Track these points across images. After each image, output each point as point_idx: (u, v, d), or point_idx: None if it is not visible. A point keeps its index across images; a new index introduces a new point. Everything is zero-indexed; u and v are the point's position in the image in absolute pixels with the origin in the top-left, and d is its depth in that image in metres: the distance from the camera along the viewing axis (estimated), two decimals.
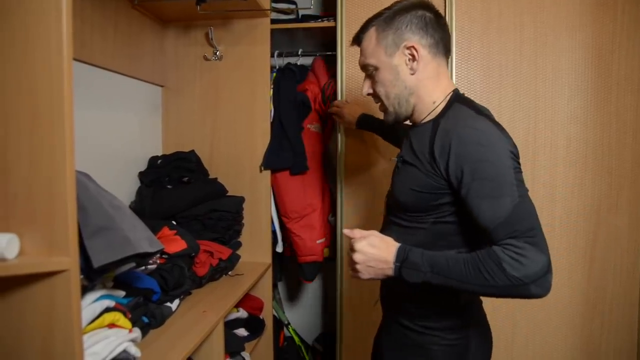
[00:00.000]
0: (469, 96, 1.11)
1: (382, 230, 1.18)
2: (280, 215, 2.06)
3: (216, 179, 1.92)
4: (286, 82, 2.03)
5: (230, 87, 1.95)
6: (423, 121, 1.09)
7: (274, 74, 2.06)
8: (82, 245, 0.84)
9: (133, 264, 1.00)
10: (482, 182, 0.92)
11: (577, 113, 1.76)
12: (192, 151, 1.92)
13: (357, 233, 1.04)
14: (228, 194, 1.89)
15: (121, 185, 1.73)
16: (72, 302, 0.73)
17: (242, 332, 1.79)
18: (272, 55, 1.99)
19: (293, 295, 2.62)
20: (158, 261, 1.33)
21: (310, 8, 1.81)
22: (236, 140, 1.96)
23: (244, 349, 1.66)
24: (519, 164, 0.97)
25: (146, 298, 1.21)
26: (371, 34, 1.10)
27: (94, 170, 1.10)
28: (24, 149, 0.73)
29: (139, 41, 1.76)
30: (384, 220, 1.22)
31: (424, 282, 0.95)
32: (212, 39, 1.90)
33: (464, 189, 0.94)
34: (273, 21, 1.96)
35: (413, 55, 1.05)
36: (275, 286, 2.38)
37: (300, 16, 2.05)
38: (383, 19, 1.08)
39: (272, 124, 1.96)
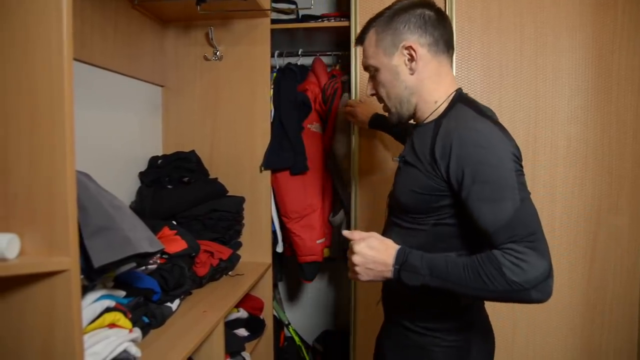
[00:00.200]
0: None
1: (384, 231, 1.18)
2: (281, 215, 2.06)
3: (216, 179, 1.92)
4: (286, 82, 2.03)
5: (230, 87, 1.95)
6: (425, 121, 1.08)
7: (274, 74, 2.06)
8: (83, 245, 0.84)
9: (133, 264, 1.00)
10: (483, 185, 0.91)
11: (578, 113, 1.76)
12: (193, 151, 1.92)
13: (356, 235, 1.03)
14: (228, 194, 1.89)
15: (121, 185, 1.73)
16: (73, 302, 0.73)
17: (242, 332, 1.79)
18: (272, 55, 1.99)
19: (293, 295, 2.62)
20: (158, 261, 1.33)
21: (310, 8, 1.80)
22: (236, 140, 1.96)
23: (244, 349, 1.66)
24: (521, 166, 0.95)
25: (146, 298, 1.21)
26: (371, 35, 1.10)
27: (94, 170, 1.10)
28: (24, 149, 0.73)
29: (139, 41, 1.76)
30: (386, 221, 1.21)
31: (423, 285, 0.94)
32: (212, 39, 1.90)
33: (465, 191, 0.93)
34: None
35: (412, 55, 1.05)
36: (275, 286, 2.38)
37: (300, 16, 2.05)
38: (382, 20, 1.08)
39: (272, 124, 1.96)
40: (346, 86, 2.02)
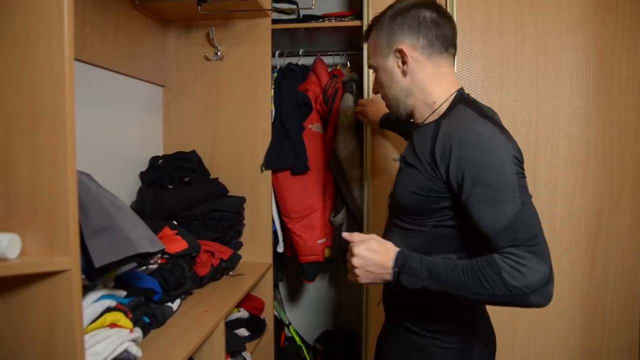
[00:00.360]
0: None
1: (385, 232, 1.18)
2: (281, 215, 2.06)
3: (217, 179, 1.92)
4: (287, 82, 2.03)
5: (231, 87, 1.95)
6: (426, 121, 1.07)
7: (275, 74, 2.06)
8: (84, 245, 0.84)
9: (134, 264, 1.00)
10: (483, 188, 0.90)
11: (579, 113, 1.76)
12: (193, 151, 1.92)
13: (356, 237, 1.03)
14: (229, 194, 1.89)
15: (122, 185, 1.73)
16: (74, 302, 0.73)
17: (243, 332, 1.79)
18: (273, 55, 1.99)
19: (294, 295, 2.62)
20: (159, 261, 1.33)
21: (311, 8, 1.80)
22: (237, 141, 1.96)
23: (245, 349, 1.66)
24: (522, 169, 0.94)
25: (147, 298, 1.21)
26: (372, 35, 1.10)
27: (95, 170, 1.10)
28: (25, 149, 0.73)
29: (140, 41, 1.76)
30: (387, 222, 1.21)
31: (422, 288, 0.94)
32: (213, 39, 1.90)
33: (465, 194, 0.92)
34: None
35: (403, 58, 1.05)
36: (276, 286, 2.38)
37: (301, 16, 2.05)
38: (381, 20, 1.08)
39: (273, 124, 1.96)
40: (347, 86, 2.02)
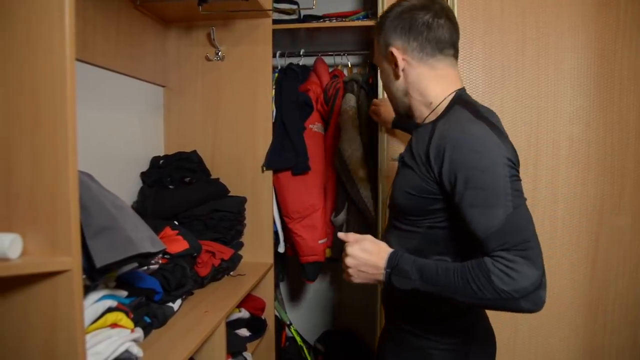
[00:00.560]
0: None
1: (385, 233, 1.18)
2: (282, 215, 2.06)
3: (218, 179, 1.92)
4: (288, 82, 2.04)
5: (232, 88, 1.95)
6: (424, 122, 1.07)
7: (276, 74, 2.06)
8: (85, 245, 0.84)
9: (135, 264, 1.00)
10: (475, 191, 0.89)
11: (580, 113, 1.76)
12: (194, 151, 1.93)
13: (351, 237, 1.04)
14: (230, 194, 1.89)
15: (123, 185, 1.73)
16: (75, 302, 0.73)
17: (244, 332, 1.79)
18: (273, 56, 1.99)
19: (295, 295, 2.62)
20: (160, 261, 1.33)
21: (312, 8, 1.80)
22: (238, 141, 1.96)
23: (245, 349, 1.66)
24: (517, 171, 0.93)
25: (148, 298, 1.21)
26: (375, 35, 1.12)
27: (97, 170, 1.10)
28: (26, 149, 0.73)
29: (141, 41, 1.76)
30: (387, 223, 1.21)
31: (414, 290, 0.94)
32: (214, 39, 1.90)
33: (458, 196, 0.91)
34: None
35: (395, 62, 1.05)
36: (277, 286, 2.38)
37: (302, 16, 2.05)
38: (380, 21, 1.09)
39: (274, 124, 1.97)
40: (348, 86, 2.02)
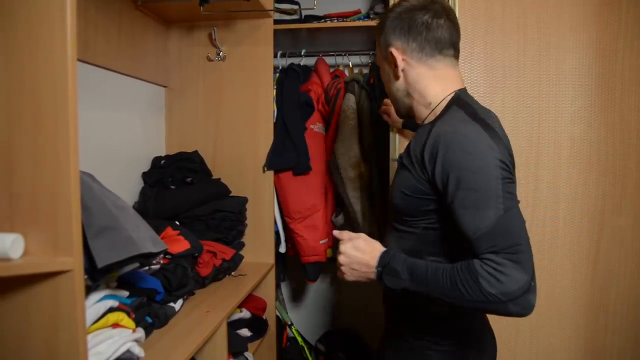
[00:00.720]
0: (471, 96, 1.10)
1: (385, 234, 1.18)
2: (284, 215, 2.06)
3: (219, 179, 1.92)
4: (289, 82, 2.04)
5: (233, 88, 1.95)
6: (424, 122, 1.08)
7: (277, 75, 2.06)
8: (86, 245, 0.84)
9: (137, 264, 1.00)
10: (467, 192, 0.88)
11: (581, 113, 1.75)
12: (196, 152, 1.93)
13: (345, 235, 1.05)
14: (231, 194, 1.89)
15: (125, 185, 1.73)
16: (76, 302, 0.73)
17: (245, 332, 1.79)
18: (275, 56, 1.99)
19: (296, 295, 2.62)
20: (161, 261, 1.34)
21: (313, 8, 1.80)
22: (239, 141, 1.96)
23: (247, 349, 1.66)
24: (511, 173, 0.92)
25: (150, 298, 1.21)
26: (377, 35, 1.12)
27: (98, 170, 1.10)
28: (28, 150, 0.73)
29: (143, 42, 1.77)
30: (388, 224, 1.21)
31: (404, 289, 0.94)
32: (215, 39, 1.91)
33: (450, 197, 0.91)
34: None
35: (394, 62, 1.06)
36: (278, 286, 2.38)
37: (303, 16, 2.05)
38: (381, 22, 1.09)
39: (275, 124, 1.97)
40: (349, 86, 2.02)
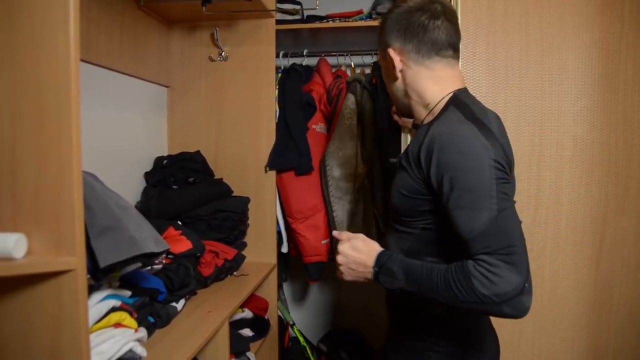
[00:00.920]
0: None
1: (386, 235, 1.18)
2: (286, 215, 2.06)
3: (221, 179, 1.92)
4: (291, 82, 2.04)
5: (235, 88, 1.95)
6: (423, 123, 1.08)
7: (279, 75, 2.06)
8: (89, 245, 0.84)
9: (139, 264, 1.00)
10: (461, 192, 0.88)
11: (584, 113, 1.75)
12: (198, 151, 1.93)
13: (344, 235, 1.05)
14: (233, 194, 1.89)
15: (127, 185, 1.73)
16: (79, 302, 0.73)
17: (247, 332, 1.79)
18: (277, 56, 1.99)
19: (298, 295, 2.62)
20: (164, 261, 1.34)
21: (315, 8, 1.80)
22: (241, 141, 1.96)
23: (249, 349, 1.66)
24: (506, 174, 0.92)
25: (152, 298, 1.21)
26: (378, 35, 1.12)
27: (100, 170, 1.11)
28: (31, 150, 0.73)
29: (145, 42, 1.77)
30: (388, 224, 1.22)
31: (400, 290, 0.95)
32: (217, 39, 1.91)
33: (444, 197, 0.91)
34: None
35: (393, 63, 1.06)
36: (280, 286, 2.38)
37: (305, 17, 2.05)
38: (382, 22, 1.10)
39: (277, 124, 1.97)
40: (351, 87, 2.02)
